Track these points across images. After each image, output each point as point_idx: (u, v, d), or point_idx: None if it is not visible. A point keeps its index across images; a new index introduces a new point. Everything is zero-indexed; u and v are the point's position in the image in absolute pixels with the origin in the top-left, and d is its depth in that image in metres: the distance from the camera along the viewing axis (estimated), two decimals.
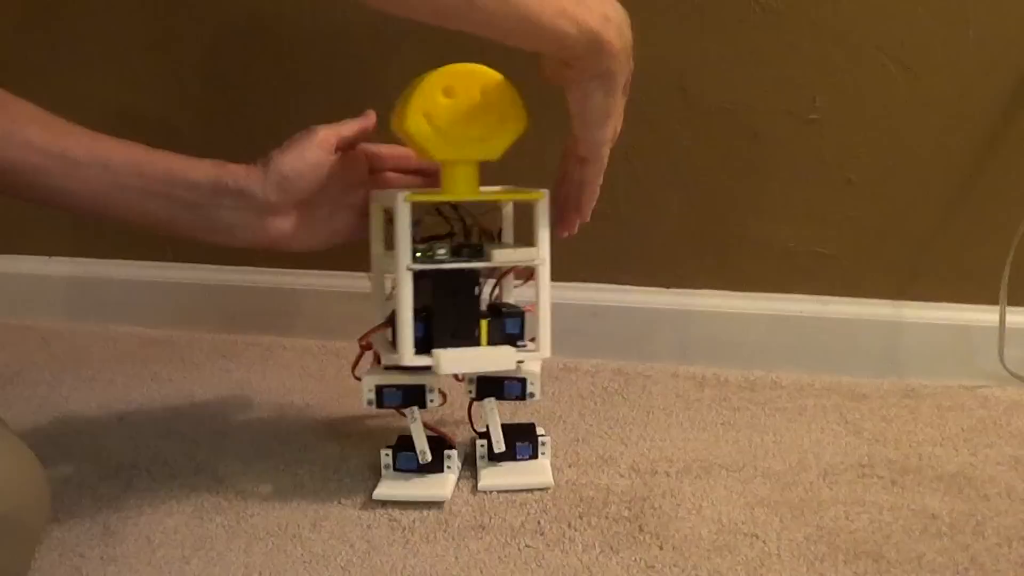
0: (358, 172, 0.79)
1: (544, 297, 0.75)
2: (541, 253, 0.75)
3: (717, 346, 1.01)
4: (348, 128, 0.77)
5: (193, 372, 1.04)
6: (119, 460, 0.84)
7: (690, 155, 0.99)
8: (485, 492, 0.77)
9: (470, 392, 0.78)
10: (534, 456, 0.80)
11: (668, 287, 1.04)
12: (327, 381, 1.01)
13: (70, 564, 0.70)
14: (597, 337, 1.04)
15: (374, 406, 0.77)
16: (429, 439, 0.79)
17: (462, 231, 0.78)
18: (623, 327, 1.04)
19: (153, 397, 0.97)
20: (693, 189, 1.00)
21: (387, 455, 0.79)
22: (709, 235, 1.01)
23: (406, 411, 0.77)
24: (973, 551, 0.69)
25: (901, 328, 0.97)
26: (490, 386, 0.77)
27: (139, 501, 0.78)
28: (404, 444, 0.79)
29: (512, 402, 0.83)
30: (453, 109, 0.72)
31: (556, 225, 0.78)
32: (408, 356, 0.74)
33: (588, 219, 0.78)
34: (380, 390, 0.77)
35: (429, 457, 0.77)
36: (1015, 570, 0.66)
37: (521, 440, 0.79)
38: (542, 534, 0.72)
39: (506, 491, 0.78)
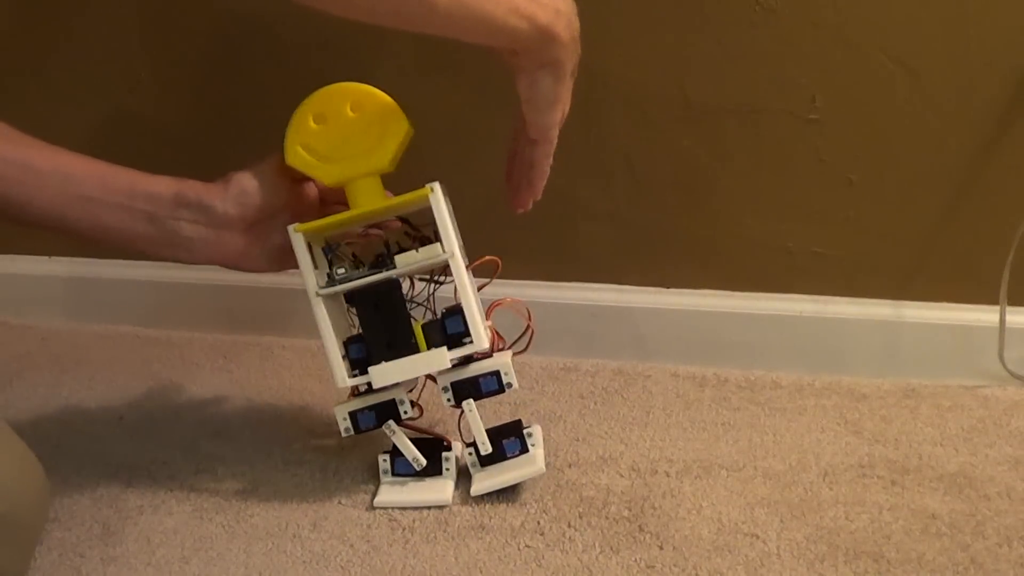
0: (309, 202, 0.80)
1: (465, 287, 0.74)
2: (447, 247, 0.74)
3: (717, 346, 1.01)
4: None
5: (193, 372, 1.04)
6: (119, 460, 0.84)
7: (690, 155, 0.99)
8: (479, 497, 0.77)
9: (448, 401, 0.77)
10: (524, 450, 0.79)
11: (668, 287, 1.04)
12: (327, 381, 1.00)
13: (70, 564, 0.70)
14: (597, 337, 1.04)
15: (352, 433, 0.77)
16: (425, 441, 0.79)
17: (410, 234, 0.78)
18: (623, 327, 1.04)
19: (153, 397, 0.97)
20: (693, 189, 1.00)
21: (385, 460, 0.79)
22: (709, 235, 1.01)
23: (384, 427, 0.77)
24: (973, 551, 0.69)
25: (901, 328, 0.97)
26: (466, 388, 0.77)
27: (139, 501, 0.78)
28: (398, 449, 0.79)
29: (511, 403, 0.83)
30: (328, 133, 0.73)
31: (510, 202, 0.80)
32: (341, 378, 0.74)
33: (540, 196, 0.79)
34: (354, 416, 0.77)
35: (423, 463, 0.77)
36: (1015, 570, 0.66)
37: (507, 437, 0.79)
38: (542, 534, 0.72)
39: (501, 489, 0.77)
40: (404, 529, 0.73)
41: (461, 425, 0.82)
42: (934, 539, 0.70)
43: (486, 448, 0.77)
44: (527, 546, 0.71)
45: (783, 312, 1.00)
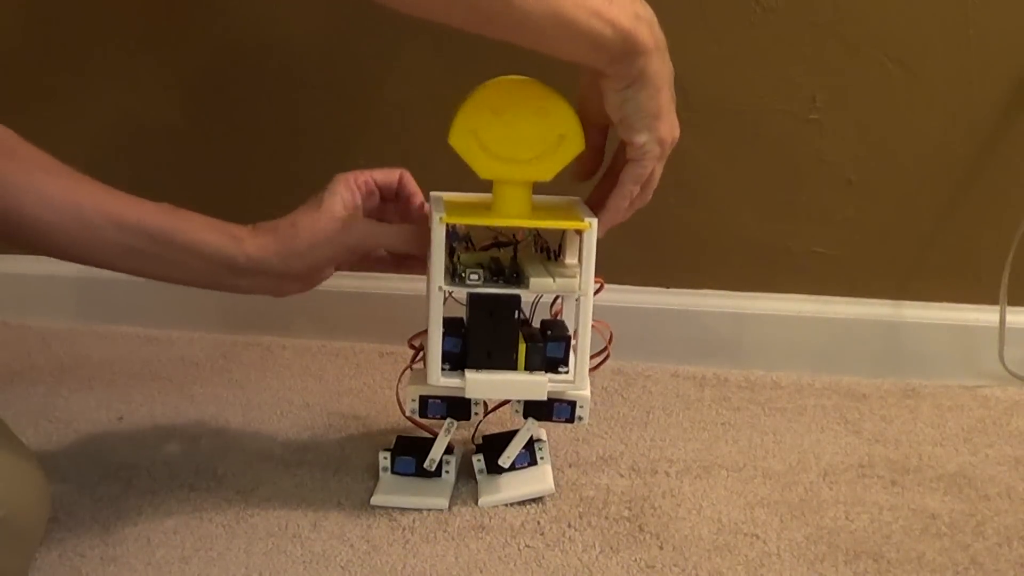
0: (370, 258, 0.79)
1: (584, 329, 0.72)
2: (583, 285, 0.71)
3: (717, 346, 1.01)
4: (367, 182, 0.77)
5: (193, 372, 1.04)
6: (119, 460, 0.84)
7: (690, 155, 0.99)
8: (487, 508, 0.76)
9: (516, 411, 0.76)
10: (533, 462, 0.79)
11: (668, 287, 1.04)
12: (327, 381, 1.01)
13: (70, 564, 0.70)
14: (597, 337, 1.04)
15: (417, 416, 0.76)
16: (427, 441, 0.78)
17: (535, 240, 0.75)
18: (623, 327, 1.03)
19: (153, 397, 0.97)
20: (693, 189, 1.00)
21: (385, 458, 0.78)
22: (709, 235, 1.01)
23: (444, 423, 0.76)
24: (973, 551, 0.69)
25: (901, 328, 0.97)
26: (538, 408, 0.75)
27: (139, 501, 0.78)
28: (402, 447, 0.79)
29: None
30: (501, 127, 0.69)
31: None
32: (435, 377, 0.72)
33: (608, 224, 0.73)
34: (424, 401, 0.75)
35: (435, 466, 0.77)
36: (1015, 570, 0.66)
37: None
38: (542, 534, 0.72)
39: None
40: (404, 529, 0.73)
41: (477, 427, 0.82)
42: (934, 539, 0.70)
43: (507, 463, 0.76)
44: (527, 546, 0.71)
45: (783, 312, 1.00)
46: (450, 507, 0.76)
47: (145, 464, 0.84)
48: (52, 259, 1.13)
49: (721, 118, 0.97)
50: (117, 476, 0.82)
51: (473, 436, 0.83)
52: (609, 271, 1.03)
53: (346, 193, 0.75)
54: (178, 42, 1.10)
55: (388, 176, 0.78)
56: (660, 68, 0.66)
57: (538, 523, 0.74)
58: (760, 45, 0.94)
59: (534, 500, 0.76)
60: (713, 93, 0.96)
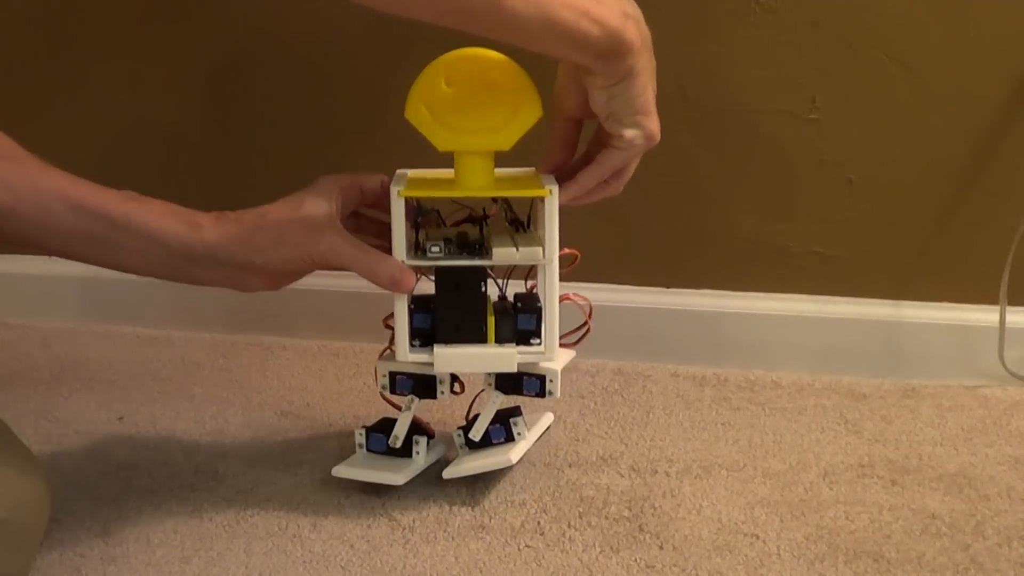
0: (340, 257, 0.75)
1: (551, 298, 0.73)
2: (547, 253, 0.72)
3: (717, 346, 1.01)
4: (352, 186, 0.74)
5: (193, 372, 1.04)
6: (119, 460, 0.84)
7: (690, 155, 0.99)
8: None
9: (489, 384, 0.77)
10: (509, 439, 0.79)
11: (668, 287, 1.04)
12: (327, 381, 1.01)
13: (70, 564, 0.70)
14: (597, 337, 1.04)
15: (388, 391, 0.77)
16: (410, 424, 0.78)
17: (506, 212, 0.76)
18: (623, 327, 1.04)
19: (153, 397, 0.97)
20: (693, 189, 1.00)
21: (361, 434, 0.79)
22: (709, 235, 1.01)
23: (405, 399, 0.77)
24: (973, 551, 0.69)
25: (901, 328, 0.97)
26: (508, 382, 0.76)
27: (139, 501, 0.78)
28: (379, 426, 0.80)
29: (512, 399, 0.83)
30: (455, 98, 0.69)
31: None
32: (403, 353, 0.73)
33: (571, 195, 0.73)
34: (393, 376, 0.76)
35: (399, 443, 0.77)
36: (1015, 570, 0.66)
37: (493, 423, 0.78)
38: (542, 534, 0.72)
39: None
40: (404, 529, 0.73)
41: (475, 402, 0.82)
42: (934, 539, 0.70)
43: (477, 436, 0.77)
44: (527, 546, 0.71)
45: (783, 312, 1.00)
46: (451, 505, 0.76)
47: (145, 464, 0.84)
48: (53, 259, 1.13)
49: (721, 118, 0.97)
50: (117, 476, 0.82)
51: (467, 415, 0.83)
52: (609, 271, 1.04)
53: (330, 197, 0.72)
54: (183, 43, 1.10)
55: (374, 181, 0.76)
56: (647, 64, 0.67)
57: (538, 523, 0.74)
58: (760, 45, 0.94)
59: (535, 500, 0.76)
60: (713, 93, 0.97)
